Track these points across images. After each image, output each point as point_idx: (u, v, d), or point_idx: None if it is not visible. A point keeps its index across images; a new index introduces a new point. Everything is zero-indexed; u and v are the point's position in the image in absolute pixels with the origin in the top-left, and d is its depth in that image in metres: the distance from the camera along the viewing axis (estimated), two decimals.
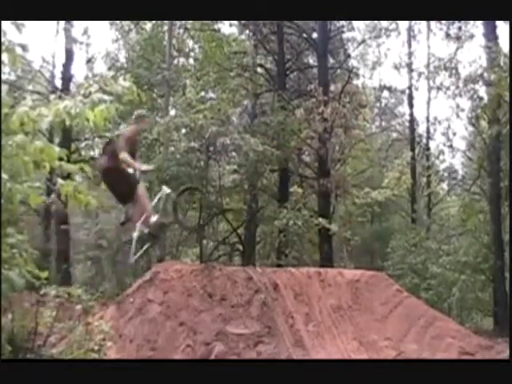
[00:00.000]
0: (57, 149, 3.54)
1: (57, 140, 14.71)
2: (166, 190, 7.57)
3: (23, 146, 3.39)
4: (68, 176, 6.82)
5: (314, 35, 18.30)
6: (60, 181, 3.65)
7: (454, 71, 17.06)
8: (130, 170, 7.06)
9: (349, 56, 20.32)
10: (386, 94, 24.65)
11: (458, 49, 18.94)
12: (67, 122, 3.46)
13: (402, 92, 22.40)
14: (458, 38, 18.97)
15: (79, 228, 17.68)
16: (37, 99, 13.70)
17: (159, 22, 17.47)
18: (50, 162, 3.53)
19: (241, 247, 17.17)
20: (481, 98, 15.69)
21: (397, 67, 21.54)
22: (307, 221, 13.61)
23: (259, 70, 18.73)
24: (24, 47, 3.63)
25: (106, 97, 3.58)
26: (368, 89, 22.72)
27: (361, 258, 19.62)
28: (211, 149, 13.45)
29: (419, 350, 7.70)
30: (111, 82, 3.76)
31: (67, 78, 16.94)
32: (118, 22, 18.10)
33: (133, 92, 3.77)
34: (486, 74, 14.77)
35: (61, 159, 3.61)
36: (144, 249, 7.42)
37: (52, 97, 3.65)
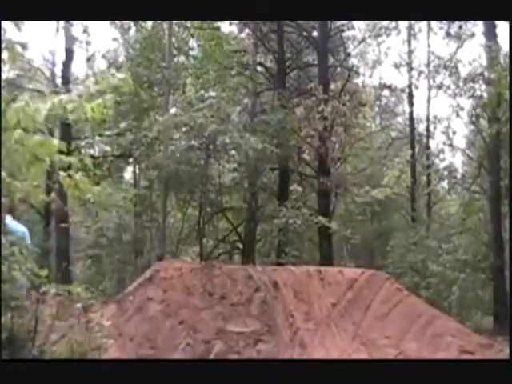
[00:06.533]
0: (56, 141, 3.54)
1: (56, 138, 14.67)
2: None
3: (21, 141, 3.39)
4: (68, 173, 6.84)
5: (314, 34, 18.28)
6: (62, 173, 3.66)
7: (454, 70, 17.05)
8: None
9: (349, 54, 20.27)
10: (386, 92, 24.59)
11: (458, 48, 18.93)
12: (64, 115, 3.46)
13: (402, 91, 22.30)
14: (458, 37, 18.94)
15: (79, 226, 17.73)
16: (35, 96, 13.69)
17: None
18: (50, 156, 3.53)
19: (241, 245, 17.16)
20: (481, 97, 15.66)
21: (397, 66, 21.49)
22: (307, 219, 13.60)
23: (259, 68, 18.71)
24: (24, 45, 3.62)
25: (100, 87, 3.57)
26: (368, 87, 22.68)
27: (361, 257, 19.60)
28: (211, 147, 13.44)
29: (419, 349, 7.70)
30: (107, 75, 3.77)
31: (67, 76, 16.92)
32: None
33: (128, 84, 3.77)
34: (486, 73, 14.75)
35: (61, 152, 3.61)
36: None
37: (48, 91, 3.66)
